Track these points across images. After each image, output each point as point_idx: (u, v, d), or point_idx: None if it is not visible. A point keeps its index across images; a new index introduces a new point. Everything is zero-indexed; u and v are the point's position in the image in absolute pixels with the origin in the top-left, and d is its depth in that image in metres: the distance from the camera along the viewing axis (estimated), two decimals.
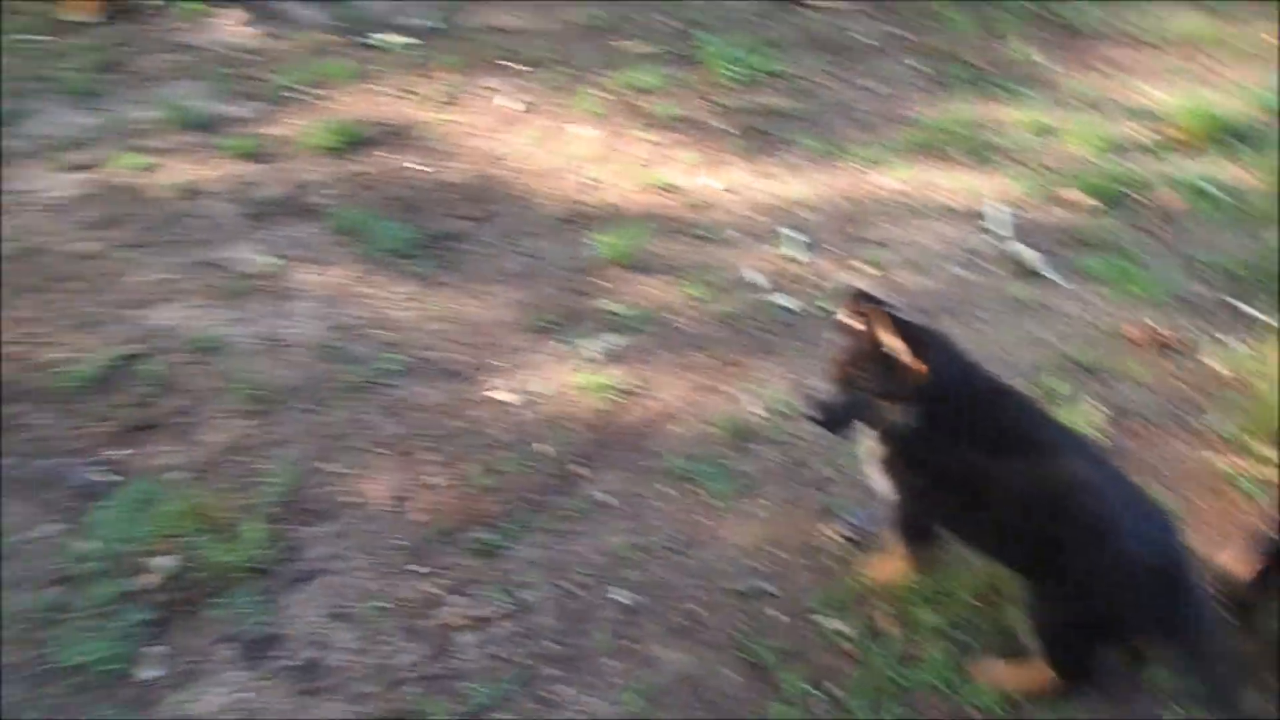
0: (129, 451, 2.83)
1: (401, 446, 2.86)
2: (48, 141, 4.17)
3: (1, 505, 2.66)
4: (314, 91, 4.47)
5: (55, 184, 3.93)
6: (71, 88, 4.51)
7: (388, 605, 2.41)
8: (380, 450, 2.85)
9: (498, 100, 4.37)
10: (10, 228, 3.70)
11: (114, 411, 2.95)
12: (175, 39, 4.93)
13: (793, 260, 3.55)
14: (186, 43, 4.90)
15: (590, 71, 4.57)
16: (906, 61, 4.92)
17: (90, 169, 4.02)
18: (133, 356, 3.13)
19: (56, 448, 2.84)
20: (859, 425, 2.22)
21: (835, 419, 2.20)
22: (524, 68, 4.62)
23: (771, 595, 2.46)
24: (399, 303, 3.35)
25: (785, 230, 3.64)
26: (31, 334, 3.23)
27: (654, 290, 3.41)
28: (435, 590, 2.45)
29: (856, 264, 3.56)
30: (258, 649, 2.32)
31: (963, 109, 4.54)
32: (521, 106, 4.33)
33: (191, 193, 3.86)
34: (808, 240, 3.65)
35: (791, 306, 3.37)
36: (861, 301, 2.16)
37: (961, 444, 2.14)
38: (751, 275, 3.47)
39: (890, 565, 2.44)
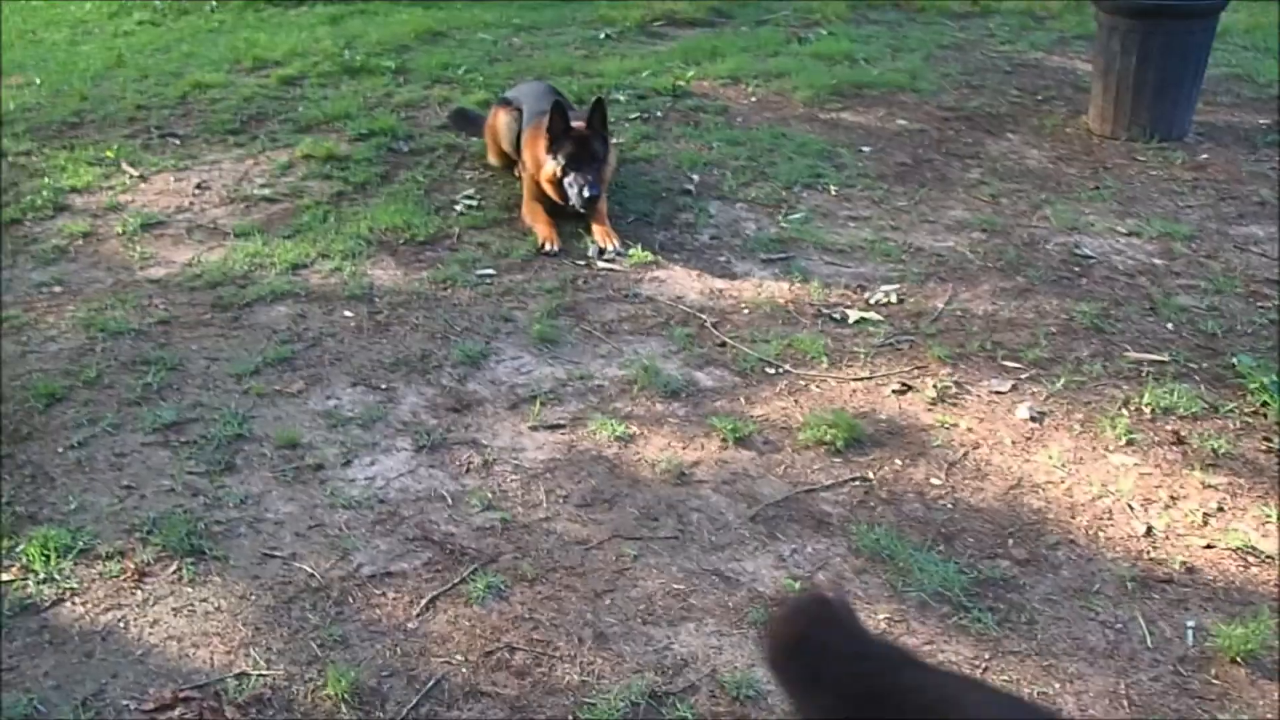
0: None
1: None
2: (513, 392, 3.90)
3: None
4: (786, 367, 4.07)
5: (528, 443, 3.63)
6: (531, 332, 4.26)
7: None
8: None
9: (1005, 406, 3.83)
10: (490, 491, 3.37)
11: None
12: (622, 286, 4.69)
13: None
14: (636, 292, 4.64)
15: (1103, 381, 4.02)
16: None
17: (562, 429, 3.70)
18: (661, 695, 2.64)
19: None
20: None
21: None
22: (1021, 367, 4.10)
23: None
24: (964, 667, 2.76)
25: None
26: (537, 639, 2.82)
27: None
28: None
29: None
30: None
31: None
32: (1034, 416, 3.78)
33: (681, 477, 3.46)
34: None
35: None
36: None
37: None
38: None
39: None
